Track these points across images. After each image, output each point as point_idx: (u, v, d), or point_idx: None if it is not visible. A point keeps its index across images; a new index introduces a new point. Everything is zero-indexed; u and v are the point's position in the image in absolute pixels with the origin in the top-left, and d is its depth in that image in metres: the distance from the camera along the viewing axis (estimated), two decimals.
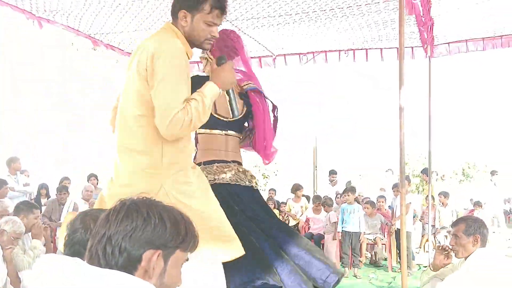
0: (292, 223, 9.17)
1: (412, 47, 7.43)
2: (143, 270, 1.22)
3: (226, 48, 3.43)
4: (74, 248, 1.99)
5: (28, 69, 11.10)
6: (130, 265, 1.21)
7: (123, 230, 1.23)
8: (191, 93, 2.53)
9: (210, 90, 2.55)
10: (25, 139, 10.67)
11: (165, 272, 1.26)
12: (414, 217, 8.82)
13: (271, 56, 8.04)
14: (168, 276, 1.27)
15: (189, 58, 2.67)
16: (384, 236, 8.30)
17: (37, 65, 11.33)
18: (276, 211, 9.77)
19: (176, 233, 1.28)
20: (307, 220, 8.80)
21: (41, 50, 11.44)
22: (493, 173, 13.25)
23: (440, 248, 3.62)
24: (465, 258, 3.33)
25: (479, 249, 3.24)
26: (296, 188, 9.52)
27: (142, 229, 1.23)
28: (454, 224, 3.53)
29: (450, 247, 3.45)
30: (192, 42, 2.68)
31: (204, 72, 3.67)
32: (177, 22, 2.62)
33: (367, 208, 8.36)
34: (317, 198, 9.00)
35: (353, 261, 7.50)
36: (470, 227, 3.30)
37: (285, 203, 10.06)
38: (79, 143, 11.33)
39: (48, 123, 11.16)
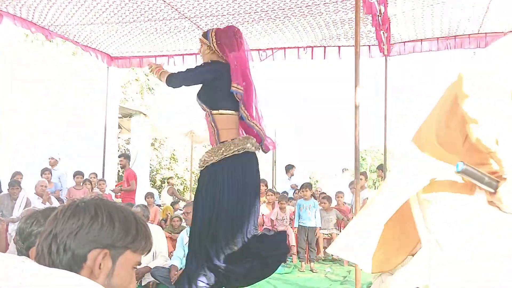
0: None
1: (369, 46, 7.56)
2: (89, 269, 1.19)
3: (229, 41, 3.68)
4: (29, 241, 1.96)
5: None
6: (75, 264, 1.18)
7: (69, 228, 1.20)
8: None
9: None
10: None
11: (113, 272, 1.22)
12: None
13: None
14: (117, 277, 1.23)
15: None
16: (340, 231, 8.43)
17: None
18: None
19: (125, 233, 1.25)
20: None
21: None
22: None
23: None
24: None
25: None
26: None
27: (88, 227, 1.20)
28: None
29: None
30: None
31: (200, 53, 3.88)
32: None
33: (324, 203, 8.46)
34: (282, 197, 8.98)
35: (309, 255, 7.59)
36: None
37: None
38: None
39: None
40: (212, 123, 3.68)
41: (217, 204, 3.56)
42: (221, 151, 3.61)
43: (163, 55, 8.34)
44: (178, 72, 3.80)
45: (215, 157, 3.62)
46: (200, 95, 3.75)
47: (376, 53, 7.62)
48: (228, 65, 3.70)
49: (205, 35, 3.79)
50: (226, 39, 3.70)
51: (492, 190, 1.65)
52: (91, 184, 9.06)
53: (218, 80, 3.68)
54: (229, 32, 3.76)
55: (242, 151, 3.62)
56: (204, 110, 3.75)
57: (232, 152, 3.59)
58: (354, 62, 4.76)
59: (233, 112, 3.70)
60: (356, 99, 4.61)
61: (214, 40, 3.71)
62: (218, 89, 3.67)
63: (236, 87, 3.63)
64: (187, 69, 3.83)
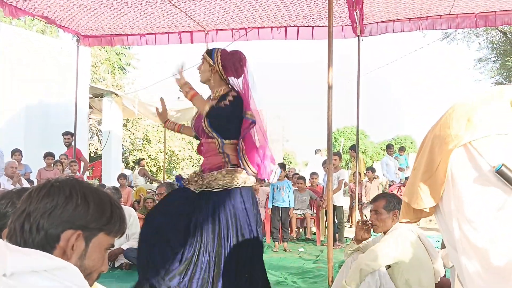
0: None
1: (342, 26, 7.57)
2: (61, 250, 1.17)
3: (233, 66, 3.59)
4: (2, 223, 1.92)
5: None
6: (47, 244, 1.16)
7: (42, 207, 1.18)
8: None
9: None
10: None
11: (85, 254, 1.21)
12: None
13: (204, 31, 7.95)
14: (89, 259, 1.22)
15: None
16: (313, 211, 8.52)
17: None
18: None
19: (99, 214, 1.23)
20: None
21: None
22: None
23: (360, 223, 3.73)
24: (384, 233, 3.48)
25: (397, 223, 3.39)
26: None
27: (62, 207, 1.18)
28: (374, 200, 3.65)
29: (370, 222, 3.57)
30: None
31: (199, 69, 3.72)
32: None
33: (300, 183, 8.55)
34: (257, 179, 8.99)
35: (282, 235, 7.66)
36: (390, 203, 3.44)
37: None
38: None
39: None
40: (221, 150, 3.60)
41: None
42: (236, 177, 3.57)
43: (135, 34, 8.21)
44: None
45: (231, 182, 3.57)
46: (212, 123, 3.60)
47: (349, 34, 7.63)
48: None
49: (210, 53, 3.68)
50: (231, 63, 3.61)
51: None
52: (62, 165, 8.90)
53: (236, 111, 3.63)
54: (236, 56, 3.66)
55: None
56: (210, 137, 3.64)
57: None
58: (327, 42, 4.75)
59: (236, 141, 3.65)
60: (329, 79, 4.62)
61: (219, 60, 3.61)
62: (232, 120, 3.61)
63: (250, 115, 3.58)
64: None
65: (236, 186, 3.53)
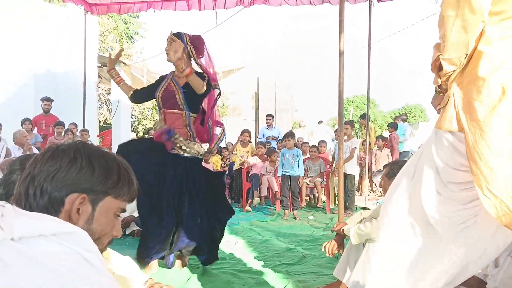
0: (236, 167, 9.30)
1: None
2: (67, 213, 1.15)
3: (201, 48, 4.02)
4: (9, 188, 1.92)
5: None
6: (52, 208, 1.14)
7: (46, 170, 1.16)
8: None
9: None
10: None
11: (92, 218, 1.19)
12: None
13: None
14: (97, 223, 1.20)
15: None
16: (323, 179, 8.52)
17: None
18: (218, 156, 9.85)
19: (105, 177, 1.20)
20: (252, 165, 8.91)
21: None
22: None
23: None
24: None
25: None
26: (243, 133, 9.61)
27: (65, 170, 1.16)
28: (384, 168, 3.67)
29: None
30: None
31: (169, 50, 4.01)
32: None
33: (313, 152, 8.60)
34: (271, 151, 8.98)
35: (292, 203, 7.67)
36: (392, 170, 3.43)
37: (227, 149, 10.13)
38: None
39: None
40: (188, 123, 4.03)
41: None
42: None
43: (142, 1, 8.09)
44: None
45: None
46: (186, 97, 4.01)
47: None
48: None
49: (179, 35, 4.01)
50: (199, 45, 4.03)
51: None
52: (73, 134, 8.93)
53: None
54: (200, 39, 4.08)
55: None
56: (177, 109, 4.03)
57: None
58: (339, 8, 4.66)
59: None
60: (340, 45, 4.54)
61: (189, 43, 3.99)
62: (198, 96, 4.02)
63: (217, 86, 4.07)
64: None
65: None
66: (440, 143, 1.89)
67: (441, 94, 2.01)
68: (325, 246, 3.39)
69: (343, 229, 3.31)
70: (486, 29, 1.78)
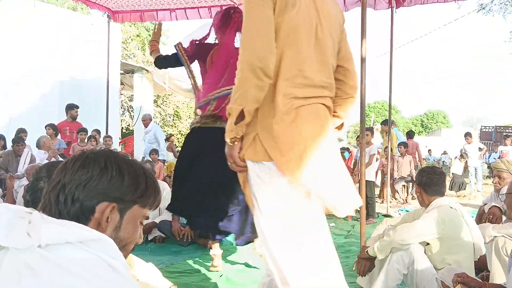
0: None
1: None
2: (96, 222, 1.17)
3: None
4: (36, 195, 1.95)
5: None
6: (82, 215, 1.16)
7: (78, 179, 1.17)
8: None
9: None
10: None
11: (120, 226, 1.21)
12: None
13: (234, 5, 7.84)
14: (124, 231, 1.22)
15: None
16: None
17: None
18: None
19: (134, 187, 1.22)
20: None
21: None
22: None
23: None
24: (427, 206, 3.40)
25: (438, 199, 3.31)
26: None
27: (97, 179, 1.18)
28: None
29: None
30: None
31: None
32: None
33: None
34: None
35: None
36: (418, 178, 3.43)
37: None
38: None
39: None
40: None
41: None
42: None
43: (165, 9, 8.17)
44: None
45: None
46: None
47: (383, 5, 7.42)
48: None
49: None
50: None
51: None
52: (96, 140, 9.04)
53: None
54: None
55: None
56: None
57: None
58: (361, 14, 4.63)
59: None
60: (362, 52, 4.51)
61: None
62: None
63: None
64: None
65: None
66: None
67: None
68: (359, 269, 3.36)
69: (367, 251, 3.28)
70: None
